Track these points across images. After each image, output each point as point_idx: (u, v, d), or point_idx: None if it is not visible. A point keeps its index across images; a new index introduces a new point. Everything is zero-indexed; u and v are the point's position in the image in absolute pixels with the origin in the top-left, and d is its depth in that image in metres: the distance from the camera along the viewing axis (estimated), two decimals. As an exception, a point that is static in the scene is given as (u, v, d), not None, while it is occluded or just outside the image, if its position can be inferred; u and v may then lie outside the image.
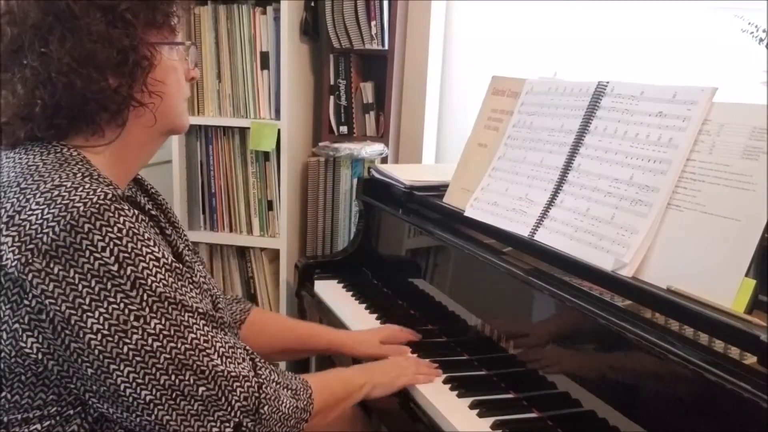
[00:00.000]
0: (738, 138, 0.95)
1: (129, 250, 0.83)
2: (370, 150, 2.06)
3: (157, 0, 0.94)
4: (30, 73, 0.88)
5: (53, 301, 0.81)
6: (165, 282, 0.86)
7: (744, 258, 0.88)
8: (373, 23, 2.05)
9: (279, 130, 2.02)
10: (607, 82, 1.19)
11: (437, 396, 1.14)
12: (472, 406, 1.10)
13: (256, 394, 0.92)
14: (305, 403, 1.01)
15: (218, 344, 0.90)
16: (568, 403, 1.04)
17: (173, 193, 2.13)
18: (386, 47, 2.07)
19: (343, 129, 2.17)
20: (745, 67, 1.74)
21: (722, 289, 0.89)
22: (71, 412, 0.89)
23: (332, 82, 2.15)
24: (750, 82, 1.67)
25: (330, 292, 1.69)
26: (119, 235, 0.82)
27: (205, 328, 0.90)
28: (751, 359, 0.80)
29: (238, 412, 0.90)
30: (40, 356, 0.85)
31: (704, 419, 0.84)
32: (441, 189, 1.52)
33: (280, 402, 0.96)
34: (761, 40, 1.58)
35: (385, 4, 2.03)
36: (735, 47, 1.75)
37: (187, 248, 1.13)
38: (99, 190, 0.84)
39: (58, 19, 0.87)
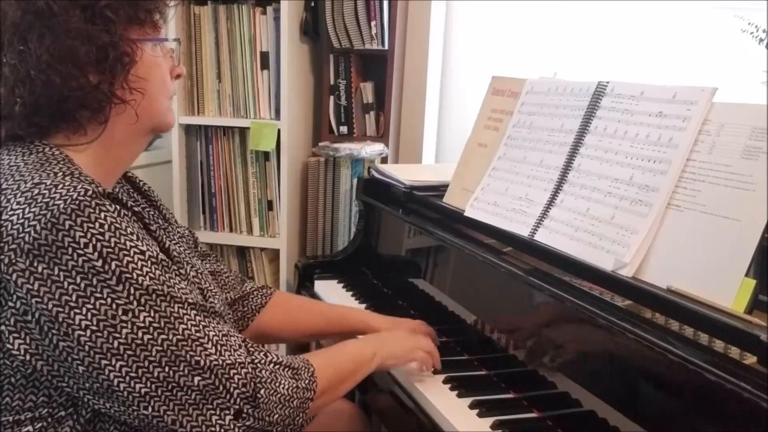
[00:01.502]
0: (738, 138, 0.94)
1: (112, 245, 0.82)
2: (370, 150, 2.06)
3: None
4: (9, 72, 0.88)
5: (39, 300, 0.81)
6: (152, 275, 0.85)
7: (744, 258, 0.88)
8: (373, 23, 2.05)
9: (279, 130, 2.02)
10: (607, 82, 1.19)
11: (437, 396, 1.14)
12: (472, 406, 1.10)
13: (253, 379, 0.91)
14: (307, 382, 0.98)
15: (211, 333, 0.90)
16: (568, 403, 1.04)
17: (173, 193, 2.13)
18: (386, 47, 2.07)
19: (343, 129, 2.17)
20: (745, 67, 1.74)
21: (722, 289, 0.89)
22: (63, 413, 0.89)
23: (332, 82, 2.14)
24: (750, 82, 1.67)
25: (330, 292, 1.68)
26: (101, 230, 0.82)
27: (197, 318, 0.89)
28: (751, 359, 0.80)
29: (238, 399, 0.89)
30: (28, 357, 0.85)
31: (704, 419, 0.84)
32: (441, 189, 1.52)
33: (278, 384, 0.94)
34: (761, 40, 1.58)
35: (385, 4, 2.03)
36: (735, 47, 1.75)
37: (183, 241, 1.12)
38: (79, 186, 0.83)
39: (37, 17, 0.87)
